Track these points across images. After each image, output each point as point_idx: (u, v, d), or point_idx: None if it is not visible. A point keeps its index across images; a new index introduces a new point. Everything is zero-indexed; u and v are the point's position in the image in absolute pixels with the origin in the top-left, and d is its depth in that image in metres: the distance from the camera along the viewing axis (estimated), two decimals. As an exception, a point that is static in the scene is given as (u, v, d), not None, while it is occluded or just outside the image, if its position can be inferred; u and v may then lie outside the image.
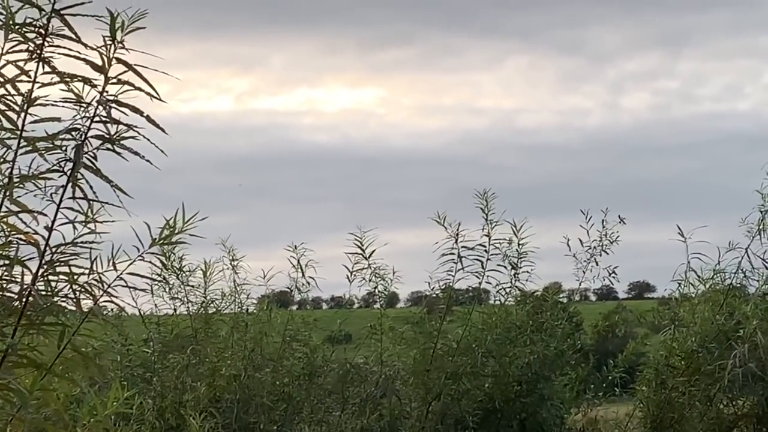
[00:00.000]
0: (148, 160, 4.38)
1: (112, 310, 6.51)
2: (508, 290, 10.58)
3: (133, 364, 10.45)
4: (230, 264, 10.66)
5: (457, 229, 10.21)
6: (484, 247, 10.28)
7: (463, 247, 10.25)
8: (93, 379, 9.00)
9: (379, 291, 10.72)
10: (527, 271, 10.53)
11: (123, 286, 4.69)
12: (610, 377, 10.85)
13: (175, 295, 10.53)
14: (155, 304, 10.57)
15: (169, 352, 10.31)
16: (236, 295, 10.73)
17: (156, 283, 9.99)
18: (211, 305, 10.61)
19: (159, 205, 5.27)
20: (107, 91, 4.41)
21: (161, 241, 4.76)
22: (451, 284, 10.42)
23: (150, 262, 4.93)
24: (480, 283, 10.43)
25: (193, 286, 10.53)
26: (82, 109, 4.40)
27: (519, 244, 10.44)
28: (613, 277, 10.81)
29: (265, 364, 10.34)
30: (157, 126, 4.38)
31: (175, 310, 10.62)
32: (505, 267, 10.45)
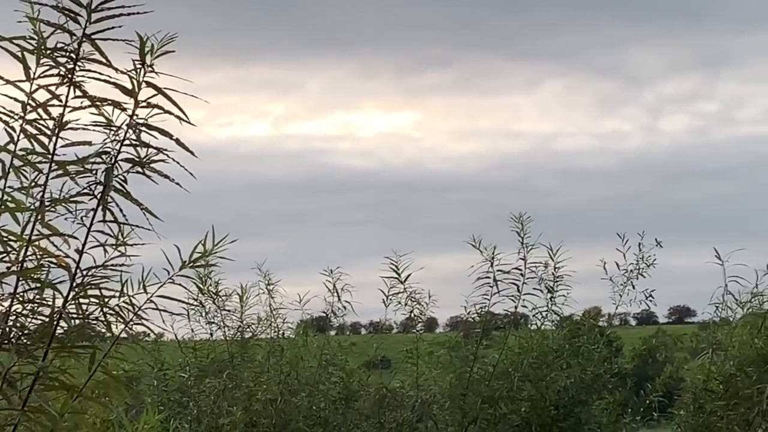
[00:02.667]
0: (177, 183, 4.40)
1: (148, 335, 6.55)
2: (544, 314, 10.54)
3: (169, 388, 10.47)
4: (266, 288, 10.68)
5: (493, 253, 10.19)
6: (520, 270, 10.26)
7: (498, 270, 10.23)
8: (129, 404, 9.05)
9: (415, 315, 10.70)
10: (563, 295, 10.49)
11: (154, 309, 4.70)
12: (648, 401, 10.76)
13: (212, 320, 10.55)
14: (192, 329, 10.61)
15: (205, 377, 10.33)
16: (272, 320, 10.74)
17: (192, 307, 10.03)
18: (248, 330, 10.63)
19: (195, 230, 5.29)
20: (137, 115, 4.43)
21: (191, 264, 4.77)
22: (487, 308, 10.40)
23: (183, 286, 4.94)
24: (516, 307, 10.40)
25: (229, 311, 10.56)
26: (113, 132, 4.43)
27: (555, 268, 10.41)
28: (650, 301, 10.74)
29: (302, 388, 10.33)
30: (187, 149, 4.39)
31: (211, 334, 10.64)
32: (541, 291, 10.42)
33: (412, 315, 10.73)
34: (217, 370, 10.38)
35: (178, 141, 4.37)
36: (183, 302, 5.60)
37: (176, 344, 10.81)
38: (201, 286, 9.92)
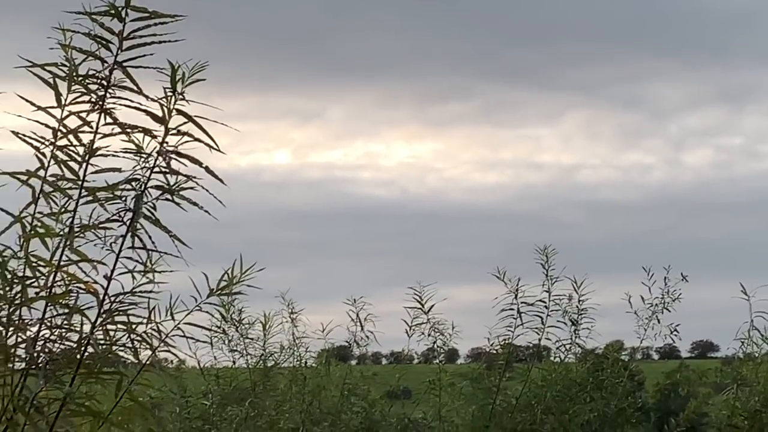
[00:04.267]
0: (206, 211, 4.41)
1: (171, 361, 6.55)
2: (568, 347, 10.49)
3: (191, 416, 10.45)
4: (289, 317, 10.67)
5: (517, 285, 10.14)
6: (544, 303, 10.21)
7: (522, 302, 10.17)
8: (151, 430, 9.04)
9: (438, 346, 10.67)
10: (587, 328, 10.43)
11: (180, 336, 4.71)
12: (671, 436, 10.69)
13: (234, 348, 10.54)
14: (214, 357, 10.58)
15: (227, 405, 10.31)
16: (295, 349, 10.73)
17: (215, 335, 10.02)
18: (270, 358, 10.62)
19: (218, 257, 5.29)
20: (167, 142, 4.45)
21: (219, 292, 4.77)
22: (510, 340, 10.35)
23: (209, 313, 4.95)
24: (540, 340, 10.34)
25: (252, 339, 10.54)
26: (143, 159, 4.44)
27: (579, 301, 10.36)
28: (675, 335, 10.68)
29: (324, 417, 10.31)
30: (217, 177, 4.40)
31: (234, 362, 10.62)
32: (565, 323, 10.37)
33: (435, 346, 10.70)
34: (239, 398, 10.36)
35: (207, 169, 4.38)
36: (208, 329, 5.61)
37: (198, 371, 10.79)
38: (225, 313, 9.92)
